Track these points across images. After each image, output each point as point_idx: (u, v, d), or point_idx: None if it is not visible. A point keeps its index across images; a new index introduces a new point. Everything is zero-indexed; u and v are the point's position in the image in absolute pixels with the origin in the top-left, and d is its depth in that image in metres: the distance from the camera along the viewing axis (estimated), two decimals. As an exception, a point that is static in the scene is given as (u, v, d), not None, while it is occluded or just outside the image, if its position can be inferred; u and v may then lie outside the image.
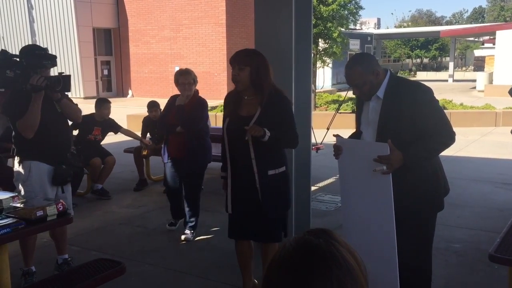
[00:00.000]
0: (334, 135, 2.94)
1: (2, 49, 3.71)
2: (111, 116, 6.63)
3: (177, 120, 4.62)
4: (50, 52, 3.82)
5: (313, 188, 5.48)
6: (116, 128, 6.65)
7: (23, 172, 3.71)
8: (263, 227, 3.30)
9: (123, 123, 12.34)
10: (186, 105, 4.64)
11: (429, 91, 2.74)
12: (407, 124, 2.67)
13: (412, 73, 42.81)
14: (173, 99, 4.82)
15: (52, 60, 3.67)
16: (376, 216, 2.70)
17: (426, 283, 2.94)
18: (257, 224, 3.29)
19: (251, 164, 3.15)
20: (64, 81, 3.54)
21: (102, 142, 6.66)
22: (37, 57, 3.63)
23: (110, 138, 7.14)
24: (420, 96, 2.70)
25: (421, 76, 38.32)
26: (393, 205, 2.60)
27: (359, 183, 2.79)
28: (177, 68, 23.05)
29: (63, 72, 3.66)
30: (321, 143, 8.60)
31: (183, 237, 4.81)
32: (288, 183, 3.36)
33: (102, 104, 6.47)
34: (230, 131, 3.22)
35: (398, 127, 2.69)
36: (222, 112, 3.44)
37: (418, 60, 51.74)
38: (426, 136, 2.66)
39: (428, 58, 50.88)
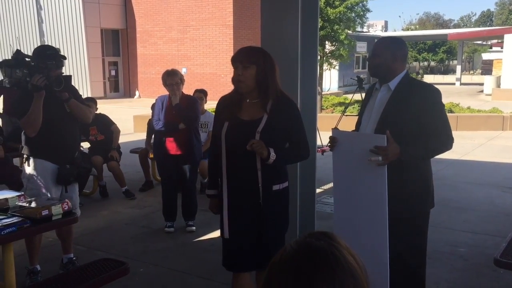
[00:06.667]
0: (332, 128, 2.96)
1: (17, 49, 3.78)
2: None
3: (180, 118, 4.90)
4: (61, 53, 3.88)
5: (318, 190, 5.47)
6: (109, 124, 6.62)
7: (28, 169, 3.75)
8: (262, 252, 2.79)
9: (129, 123, 12.44)
10: (182, 104, 4.90)
11: (438, 93, 2.79)
12: (410, 120, 2.70)
13: (419, 76, 42.62)
14: (160, 101, 5.09)
15: (57, 60, 3.69)
16: (369, 209, 2.70)
17: (420, 284, 2.94)
18: (257, 249, 2.81)
19: (255, 177, 2.70)
20: (65, 81, 3.57)
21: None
22: (43, 57, 3.68)
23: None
24: (429, 95, 2.75)
25: (428, 79, 38.17)
26: (386, 198, 2.61)
27: (353, 175, 2.79)
28: (184, 70, 23.01)
29: (63, 73, 3.70)
30: (326, 146, 8.58)
31: (188, 229, 5.16)
32: (288, 200, 2.93)
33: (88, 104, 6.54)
34: (230, 137, 2.74)
35: (400, 121, 2.71)
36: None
37: (426, 63, 51.57)
38: (426, 135, 2.69)
39: (435, 61, 50.70)
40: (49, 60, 3.65)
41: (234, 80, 2.73)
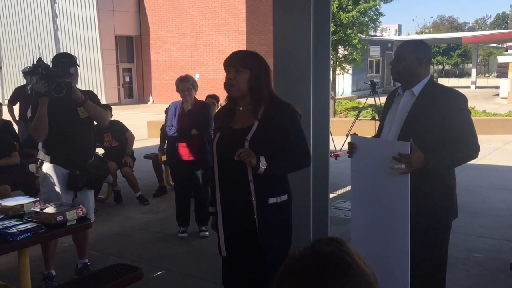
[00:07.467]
0: (351, 134, 2.92)
1: (39, 57, 3.85)
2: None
3: (193, 124, 4.92)
4: (76, 60, 3.95)
5: (331, 195, 5.45)
6: (123, 130, 6.71)
7: (41, 174, 3.84)
8: (261, 272, 2.62)
9: (143, 129, 12.52)
10: (194, 109, 4.92)
11: (465, 99, 2.71)
12: (435, 127, 2.63)
13: (434, 79, 42.29)
14: (173, 106, 5.13)
15: (64, 67, 3.74)
16: (391, 218, 2.63)
17: None
18: (254, 268, 2.65)
19: (248, 189, 2.52)
20: (67, 87, 3.61)
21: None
22: (56, 64, 3.76)
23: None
24: (456, 102, 2.67)
25: (443, 83, 37.56)
26: (409, 207, 2.53)
27: (373, 182, 2.71)
28: (197, 75, 23.10)
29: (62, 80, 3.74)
30: (340, 150, 8.56)
31: (201, 234, 5.18)
32: (290, 215, 2.71)
33: None
34: (221, 147, 2.61)
35: (425, 128, 2.64)
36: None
37: (440, 67, 51.18)
38: (451, 143, 2.61)
39: (450, 65, 50.29)
40: (54, 67, 3.71)
41: (226, 85, 2.61)
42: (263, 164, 2.44)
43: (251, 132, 2.53)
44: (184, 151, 5.04)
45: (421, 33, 57.75)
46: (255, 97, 2.58)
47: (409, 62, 2.73)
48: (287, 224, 2.68)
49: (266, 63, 2.65)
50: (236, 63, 2.57)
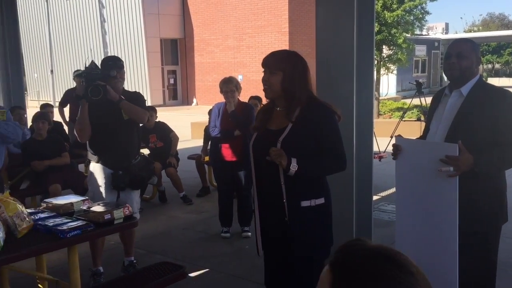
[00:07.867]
0: (395, 136, 2.87)
1: (92, 60, 3.98)
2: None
3: (235, 125, 4.97)
4: (122, 63, 4.05)
5: (375, 197, 5.37)
6: (168, 131, 6.82)
7: (89, 172, 4.00)
8: (295, 277, 2.58)
9: (187, 130, 12.72)
10: (237, 111, 4.96)
11: None
12: (484, 127, 2.55)
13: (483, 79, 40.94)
14: (217, 108, 5.18)
15: (106, 69, 3.83)
16: (438, 222, 2.56)
17: None
18: (289, 272, 2.61)
19: (280, 191, 2.48)
20: (102, 90, 3.69)
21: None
22: (103, 67, 3.88)
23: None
24: (505, 102, 2.59)
25: (492, 82, 36.46)
26: (457, 211, 2.46)
27: (419, 185, 2.65)
28: (240, 77, 23.23)
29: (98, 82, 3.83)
30: (384, 152, 8.42)
31: (243, 234, 5.21)
32: (328, 220, 2.62)
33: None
34: (256, 148, 2.61)
35: (473, 129, 2.56)
36: None
37: (490, 66, 49.49)
38: (502, 145, 2.52)
39: (500, 64, 48.57)
40: (94, 70, 3.82)
41: (263, 85, 2.61)
42: (293, 166, 2.40)
43: (284, 133, 2.49)
44: (227, 152, 5.09)
45: (470, 31, 55.98)
46: (288, 99, 2.54)
47: (471, 61, 2.67)
48: (324, 228, 2.60)
49: (305, 64, 2.59)
50: (270, 64, 2.57)
